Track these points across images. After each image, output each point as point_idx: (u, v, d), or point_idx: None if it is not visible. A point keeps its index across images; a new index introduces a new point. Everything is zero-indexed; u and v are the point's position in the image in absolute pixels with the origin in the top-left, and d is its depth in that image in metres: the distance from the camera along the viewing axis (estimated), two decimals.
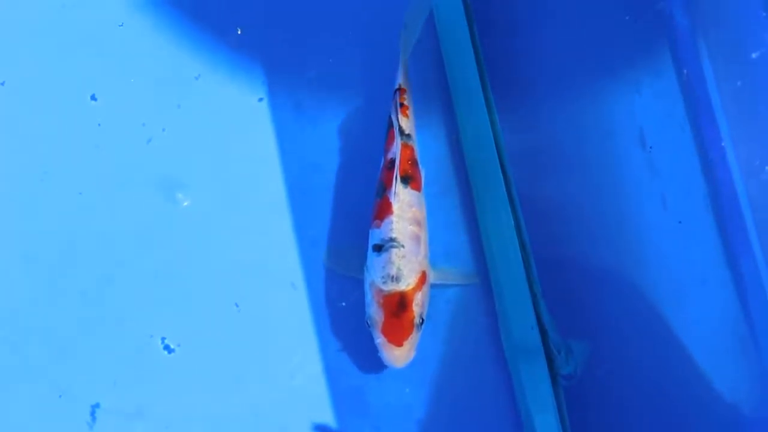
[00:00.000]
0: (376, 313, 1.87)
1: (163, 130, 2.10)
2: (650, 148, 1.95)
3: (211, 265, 2.03)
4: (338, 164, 2.07)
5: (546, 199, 2.04)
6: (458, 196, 2.05)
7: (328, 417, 1.96)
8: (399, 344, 1.86)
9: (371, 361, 1.95)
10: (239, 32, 2.12)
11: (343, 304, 2.01)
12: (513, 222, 1.98)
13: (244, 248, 2.04)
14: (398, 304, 1.86)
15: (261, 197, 2.06)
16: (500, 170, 2.00)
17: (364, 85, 2.09)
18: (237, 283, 2.02)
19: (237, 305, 2.01)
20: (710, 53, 1.89)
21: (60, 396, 1.98)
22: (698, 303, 1.88)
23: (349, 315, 2.00)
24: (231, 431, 1.97)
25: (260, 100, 2.10)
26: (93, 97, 2.11)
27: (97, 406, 1.97)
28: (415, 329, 1.87)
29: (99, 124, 2.09)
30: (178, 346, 1.99)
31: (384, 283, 1.87)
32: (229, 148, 2.09)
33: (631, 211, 1.95)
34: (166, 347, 1.99)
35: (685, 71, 1.90)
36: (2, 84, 2.12)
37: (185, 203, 2.05)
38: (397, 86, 1.99)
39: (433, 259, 1.96)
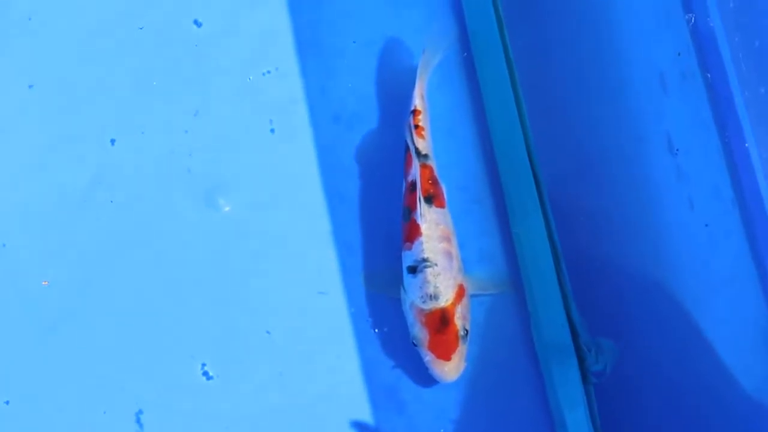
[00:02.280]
0: (420, 332, 1.93)
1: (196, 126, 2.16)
2: (677, 150, 1.97)
3: (250, 269, 2.09)
4: (373, 169, 2.12)
5: (576, 203, 2.07)
6: (491, 202, 2.10)
7: (365, 416, 2.02)
8: (447, 359, 1.91)
9: (406, 361, 2.02)
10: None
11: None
12: (544, 226, 2.02)
13: (281, 252, 2.09)
14: (441, 321, 1.92)
15: (298, 202, 2.12)
16: (532, 176, 2.05)
17: (401, 95, 2.12)
18: (275, 285, 2.08)
19: (276, 308, 2.07)
20: (734, 58, 1.91)
21: (104, 412, 2.04)
22: (725, 303, 1.90)
23: (385, 317, 2.05)
24: (269, 427, 2.03)
25: (298, 107, 2.15)
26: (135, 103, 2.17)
27: (140, 412, 2.04)
28: (460, 342, 1.92)
29: (142, 133, 2.14)
30: (216, 366, 2.06)
31: (424, 302, 1.92)
32: (267, 153, 2.14)
33: (658, 213, 1.97)
34: (203, 368, 2.05)
35: (709, 75, 1.92)
36: (31, 87, 2.17)
37: (226, 209, 2.10)
38: (412, 108, 2.04)
39: (467, 264, 2.02)
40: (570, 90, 2.11)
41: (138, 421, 2.03)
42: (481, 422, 2.01)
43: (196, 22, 2.19)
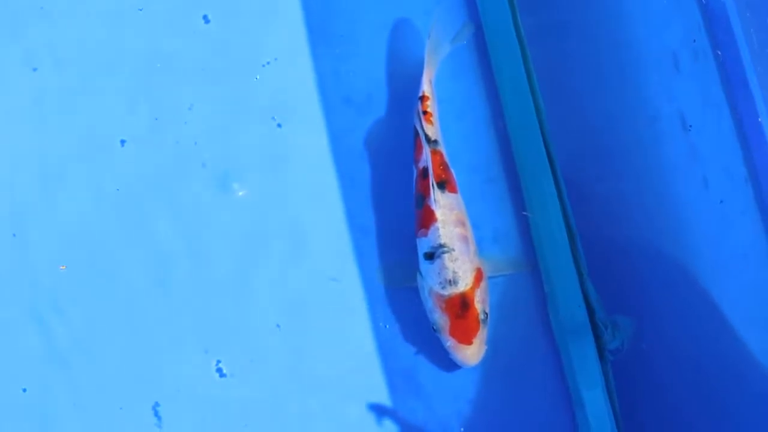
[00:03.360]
0: (440, 318, 1.94)
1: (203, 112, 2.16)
2: (690, 126, 1.97)
3: (265, 252, 2.09)
4: (385, 153, 2.12)
5: (590, 182, 2.08)
6: (505, 182, 2.11)
7: (382, 398, 2.04)
8: (469, 343, 1.92)
9: (423, 343, 2.03)
10: None
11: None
12: (559, 205, 2.03)
13: (296, 235, 2.10)
14: (461, 305, 1.93)
15: (310, 186, 2.12)
16: (546, 155, 2.05)
17: (413, 78, 2.12)
18: (291, 268, 2.09)
19: (294, 290, 2.08)
20: (746, 34, 1.91)
21: (121, 408, 2.05)
22: (739, 279, 1.90)
23: (402, 299, 2.06)
24: (288, 408, 2.04)
25: (310, 91, 2.15)
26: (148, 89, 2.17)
27: (157, 405, 2.05)
28: (481, 325, 1.93)
29: (156, 119, 2.15)
30: (228, 363, 2.07)
31: (443, 288, 1.93)
32: (280, 136, 2.15)
33: (673, 191, 1.98)
34: (218, 364, 2.06)
35: (720, 53, 1.92)
36: (35, 70, 2.17)
37: (241, 193, 2.11)
38: (420, 94, 2.05)
39: (481, 245, 2.03)
40: (582, 70, 2.11)
41: (156, 414, 2.04)
42: (499, 402, 2.02)
43: (205, 8, 2.19)
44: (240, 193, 2.11)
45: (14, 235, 2.10)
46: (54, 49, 2.17)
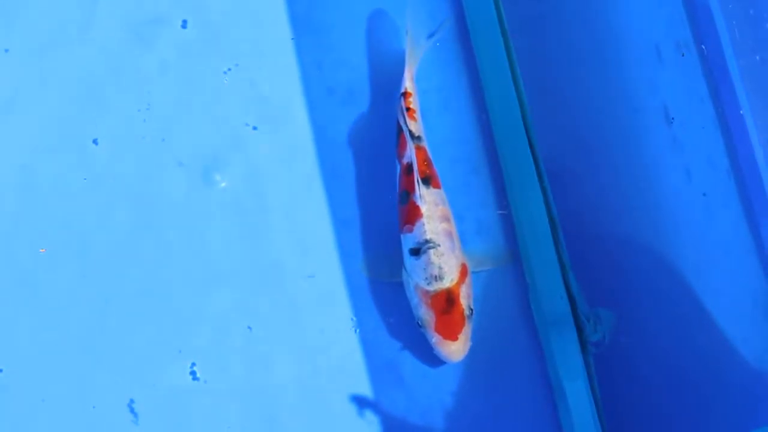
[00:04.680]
0: (426, 313, 1.93)
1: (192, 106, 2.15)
2: (672, 119, 1.97)
3: (248, 243, 2.08)
4: (367, 144, 2.11)
5: (573, 174, 2.08)
6: (488, 174, 2.10)
7: (364, 389, 2.03)
8: (454, 338, 1.92)
9: (405, 335, 2.03)
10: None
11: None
12: (542, 197, 2.02)
13: (278, 227, 2.09)
14: (446, 301, 1.92)
15: (293, 178, 2.11)
16: (529, 148, 2.04)
17: (396, 70, 2.11)
18: (273, 261, 2.08)
19: (274, 283, 2.07)
20: (729, 26, 1.91)
21: (94, 407, 2.03)
22: (722, 272, 1.91)
23: (384, 291, 2.05)
24: (270, 403, 2.02)
25: (293, 83, 2.15)
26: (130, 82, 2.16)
27: (132, 401, 2.03)
28: (466, 321, 1.93)
29: (138, 110, 2.13)
30: (202, 360, 2.05)
31: (429, 283, 1.93)
32: (262, 127, 2.14)
33: (656, 184, 1.99)
34: (192, 367, 2.04)
35: (703, 47, 1.92)
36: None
37: (222, 184, 2.10)
38: (402, 91, 2.05)
39: (465, 237, 2.02)
40: (566, 62, 2.12)
41: (132, 411, 2.02)
42: (480, 394, 2.02)
43: None
44: (222, 185, 2.10)
45: None
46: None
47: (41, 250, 2.07)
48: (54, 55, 2.16)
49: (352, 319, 2.05)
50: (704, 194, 1.95)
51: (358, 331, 2.04)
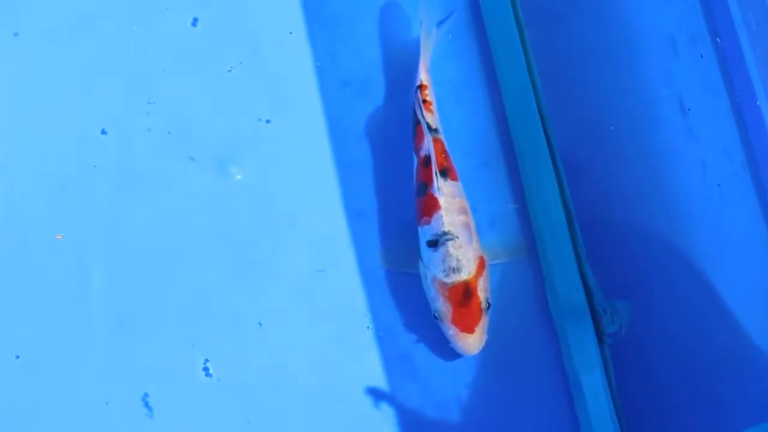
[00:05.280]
0: (443, 305, 1.92)
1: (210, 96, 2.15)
2: (688, 110, 1.97)
3: (265, 235, 2.08)
4: (382, 136, 2.11)
5: (588, 165, 2.08)
6: (503, 166, 2.10)
7: (379, 382, 2.02)
8: (471, 331, 1.91)
9: (419, 328, 2.02)
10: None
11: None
12: (557, 189, 2.02)
13: (294, 218, 2.09)
14: (464, 293, 1.92)
15: (307, 170, 2.11)
16: (544, 139, 2.04)
17: (411, 61, 2.12)
18: (290, 251, 2.07)
19: (290, 273, 2.06)
20: (744, 17, 1.91)
21: (107, 403, 2.02)
22: (737, 264, 1.91)
23: (397, 284, 2.05)
24: (285, 393, 2.02)
25: (307, 74, 2.14)
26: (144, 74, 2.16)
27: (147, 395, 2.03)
28: (483, 314, 1.93)
29: (152, 102, 2.13)
30: (216, 353, 2.04)
31: (447, 275, 1.92)
32: (277, 119, 2.14)
33: (671, 175, 1.99)
34: (205, 363, 2.04)
35: (719, 40, 1.93)
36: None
37: (238, 176, 2.10)
38: (418, 83, 2.05)
39: (480, 229, 2.02)
40: (581, 54, 2.11)
41: (147, 404, 2.02)
42: (496, 386, 2.01)
43: None
44: (237, 177, 2.10)
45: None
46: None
47: (58, 236, 2.07)
48: (61, 43, 2.16)
49: (365, 315, 2.04)
50: (719, 185, 1.95)
51: (371, 325, 2.04)
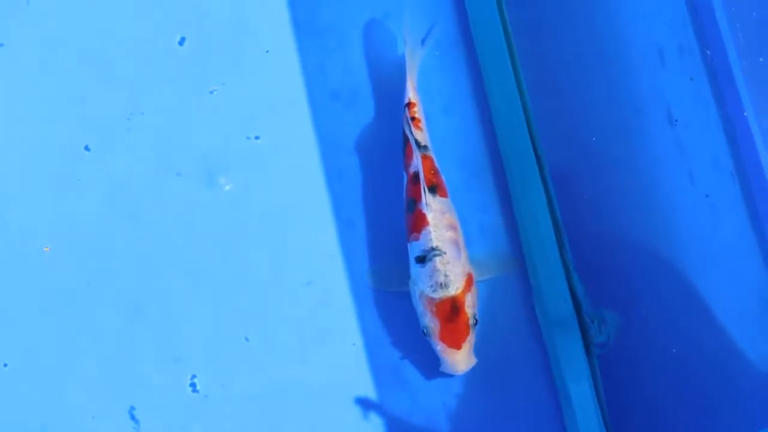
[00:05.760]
0: (430, 321, 1.93)
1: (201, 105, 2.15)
2: (676, 121, 1.97)
3: (254, 244, 2.09)
4: (372, 148, 2.12)
5: (577, 176, 2.08)
6: (491, 176, 2.11)
7: (368, 391, 2.04)
8: (458, 347, 1.93)
9: (408, 338, 2.03)
10: None
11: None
12: (545, 199, 2.03)
13: (283, 228, 2.10)
14: (451, 309, 1.93)
15: (298, 179, 2.12)
16: (532, 150, 2.06)
17: (400, 70, 2.12)
18: (280, 261, 2.09)
19: (283, 278, 2.08)
20: (732, 29, 1.91)
21: (93, 417, 2.04)
22: (727, 274, 1.90)
23: (388, 298, 2.06)
24: (271, 402, 2.03)
25: (297, 87, 2.15)
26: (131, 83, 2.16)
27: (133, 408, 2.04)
28: (470, 330, 1.93)
29: (142, 113, 2.14)
30: (202, 370, 2.06)
31: (434, 291, 1.93)
32: (266, 130, 2.14)
33: (659, 186, 1.98)
34: (192, 379, 2.05)
35: (708, 52, 1.92)
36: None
37: (227, 187, 2.11)
38: (406, 101, 2.05)
39: (469, 239, 2.03)
40: (569, 65, 2.11)
41: (133, 417, 2.03)
42: (485, 396, 2.03)
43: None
44: (227, 188, 2.11)
45: None
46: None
47: (45, 249, 2.08)
48: (49, 56, 2.17)
49: (353, 329, 2.06)
50: (707, 196, 1.94)
51: (360, 339, 2.05)
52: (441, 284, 1.93)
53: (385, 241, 2.07)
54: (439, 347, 1.93)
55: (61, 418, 2.03)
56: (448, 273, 1.93)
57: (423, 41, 2.13)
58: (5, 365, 2.04)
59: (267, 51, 2.16)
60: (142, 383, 2.04)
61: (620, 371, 2.00)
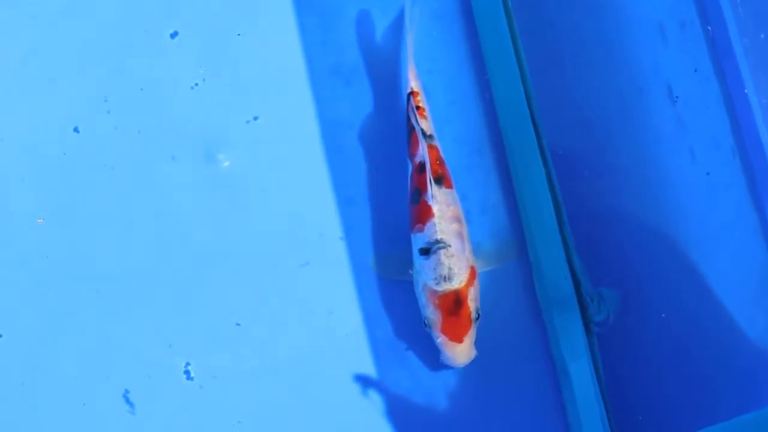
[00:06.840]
0: (433, 313, 1.92)
1: (202, 81, 2.15)
2: (676, 98, 1.97)
3: (253, 222, 2.09)
4: (374, 126, 2.12)
5: (577, 154, 2.08)
6: (492, 155, 2.11)
7: (368, 368, 2.03)
8: (459, 340, 1.91)
9: (408, 315, 2.02)
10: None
11: None
12: (545, 177, 2.03)
13: (283, 205, 2.10)
14: (454, 303, 1.91)
15: (298, 156, 2.12)
16: (532, 128, 2.05)
17: (398, 47, 2.13)
18: (279, 238, 2.08)
19: (279, 259, 2.07)
20: (732, 4, 1.90)
21: (84, 404, 2.04)
22: (726, 252, 1.90)
23: (389, 285, 2.06)
24: (272, 381, 2.03)
25: (296, 60, 2.15)
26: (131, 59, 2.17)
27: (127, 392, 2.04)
28: (472, 324, 1.93)
29: (141, 89, 2.14)
30: (196, 355, 2.05)
31: (437, 284, 1.91)
32: (267, 106, 2.14)
33: (659, 163, 1.98)
34: (186, 366, 2.05)
35: (709, 28, 1.92)
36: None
37: (226, 164, 2.10)
38: (409, 90, 2.04)
39: (469, 217, 2.03)
40: (569, 41, 2.11)
41: (128, 401, 2.03)
42: (484, 374, 2.02)
43: None
44: (225, 164, 2.10)
45: None
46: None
47: (39, 220, 2.07)
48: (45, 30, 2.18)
49: (351, 311, 2.05)
50: (708, 173, 1.94)
51: (361, 310, 2.05)
52: (445, 277, 1.91)
53: (386, 219, 2.07)
54: (441, 340, 1.92)
55: (56, 397, 2.03)
56: (452, 266, 1.91)
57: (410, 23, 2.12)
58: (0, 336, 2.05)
59: (266, 28, 2.16)
60: (137, 366, 2.03)
61: (619, 349, 2.00)
